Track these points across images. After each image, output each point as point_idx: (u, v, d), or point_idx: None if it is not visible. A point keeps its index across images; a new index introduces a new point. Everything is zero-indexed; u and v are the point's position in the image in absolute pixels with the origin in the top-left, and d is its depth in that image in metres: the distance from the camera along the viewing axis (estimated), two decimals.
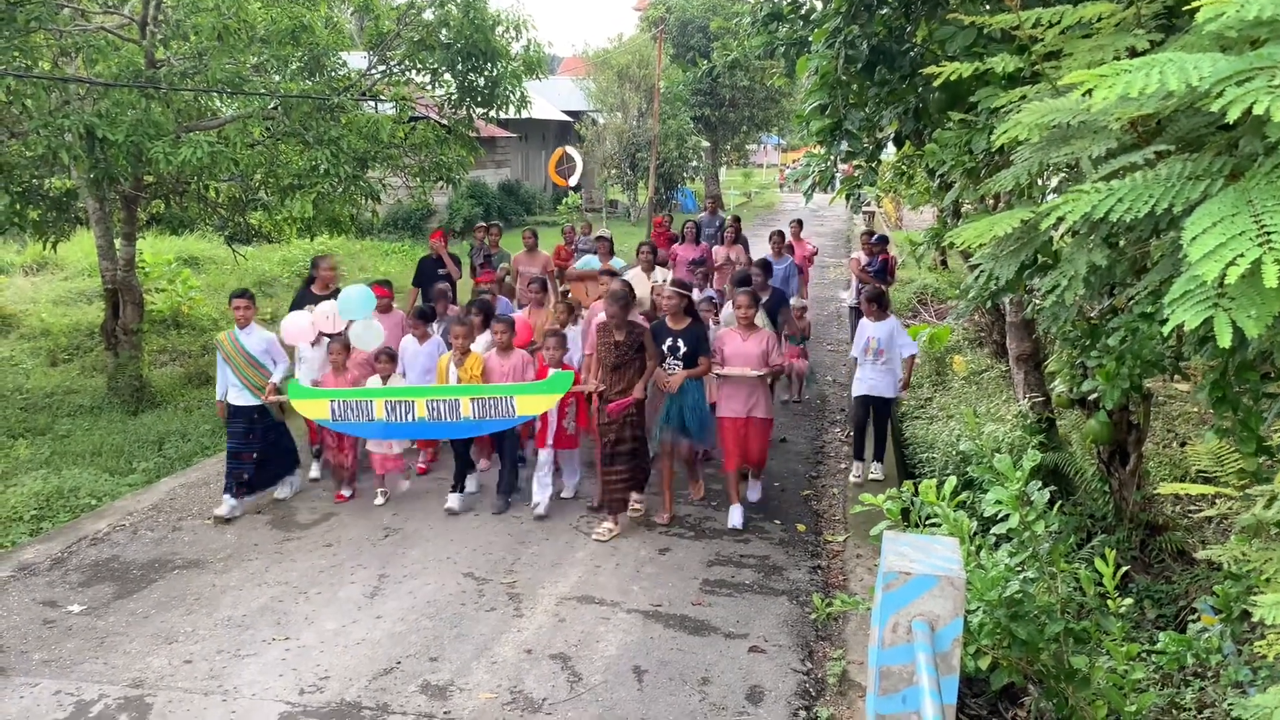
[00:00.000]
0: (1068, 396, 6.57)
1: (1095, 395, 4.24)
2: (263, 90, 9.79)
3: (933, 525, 3.89)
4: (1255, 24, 2.26)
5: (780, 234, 10.74)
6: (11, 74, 7.99)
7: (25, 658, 5.02)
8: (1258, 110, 2.05)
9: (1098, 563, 3.63)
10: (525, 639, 5.24)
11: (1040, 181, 4.10)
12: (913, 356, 7.69)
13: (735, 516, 6.81)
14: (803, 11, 7.84)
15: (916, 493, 3.93)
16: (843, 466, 8.24)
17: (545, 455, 6.98)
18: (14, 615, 5.51)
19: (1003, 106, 3.51)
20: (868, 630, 4.06)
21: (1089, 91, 2.41)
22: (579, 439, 7.39)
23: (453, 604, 5.65)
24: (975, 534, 3.87)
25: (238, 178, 10.48)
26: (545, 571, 6.11)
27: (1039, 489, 3.70)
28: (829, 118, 7.34)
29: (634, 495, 6.80)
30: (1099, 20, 3.18)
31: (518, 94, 12.01)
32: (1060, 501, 6.06)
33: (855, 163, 7.94)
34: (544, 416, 6.92)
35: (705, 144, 34.11)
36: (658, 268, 9.06)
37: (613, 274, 8.42)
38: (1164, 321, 2.22)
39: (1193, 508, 6.76)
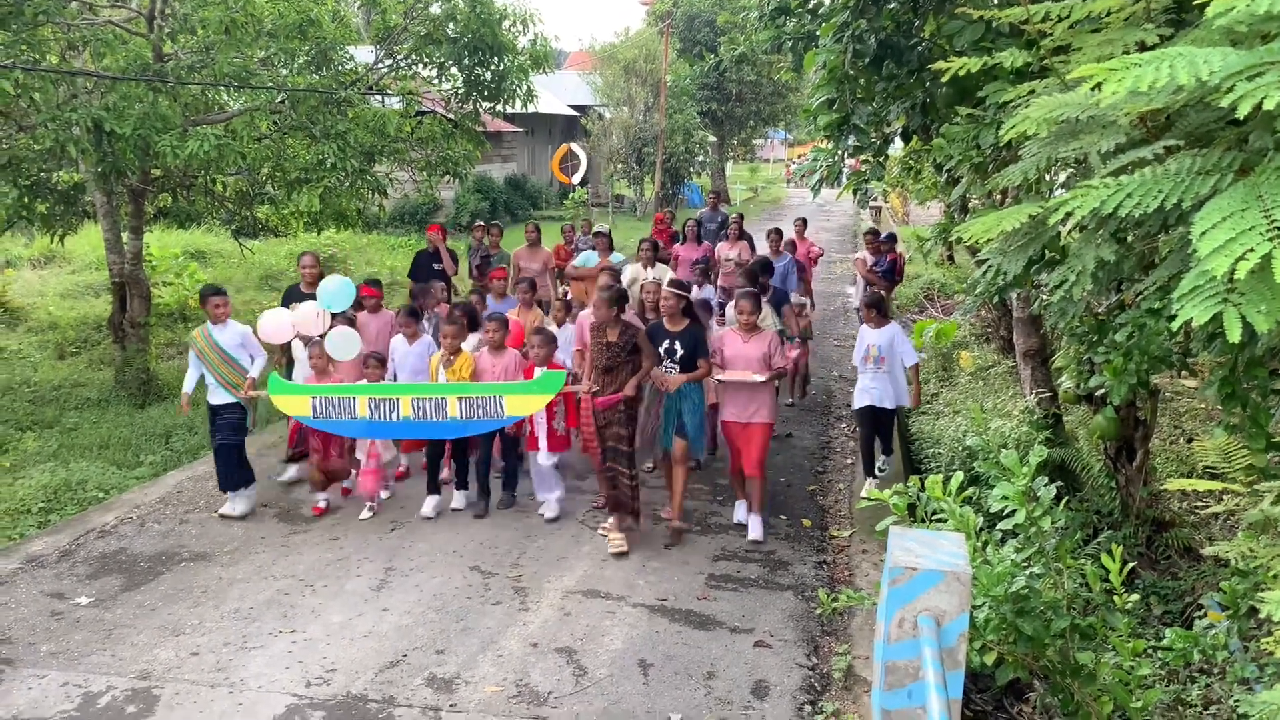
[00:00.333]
0: (1075, 392, 6.53)
1: (1102, 391, 4.23)
2: (270, 84, 9.81)
3: (939, 520, 3.88)
4: (1266, 19, 2.25)
5: (778, 231, 10.37)
6: (19, 68, 8.01)
7: (33, 649, 5.05)
8: (1268, 105, 2.05)
9: (1104, 558, 3.62)
10: (531, 632, 5.25)
11: (1048, 177, 4.09)
12: (916, 366, 7.39)
13: (741, 513, 6.80)
14: (810, 6, 7.80)
15: (923, 488, 3.93)
16: (849, 462, 8.23)
17: (546, 460, 6.81)
18: (22, 607, 5.54)
19: (1011, 101, 3.50)
20: (873, 625, 4.05)
21: (1098, 86, 2.40)
22: (570, 439, 7.13)
23: (459, 597, 5.67)
24: (981, 529, 3.87)
25: (245, 171, 10.50)
26: (551, 565, 6.12)
27: (1045, 485, 3.69)
28: (836, 112, 7.31)
29: (612, 520, 6.44)
30: (1108, 14, 3.17)
31: (524, 88, 12.03)
32: (1067, 497, 6.04)
33: (862, 158, 7.93)
34: (533, 421, 6.72)
35: (712, 139, 34.04)
36: (659, 264, 8.98)
37: (612, 270, 8.34)
38: (1172, 317, 2.22)
39: (1199, 504, 6.74)
